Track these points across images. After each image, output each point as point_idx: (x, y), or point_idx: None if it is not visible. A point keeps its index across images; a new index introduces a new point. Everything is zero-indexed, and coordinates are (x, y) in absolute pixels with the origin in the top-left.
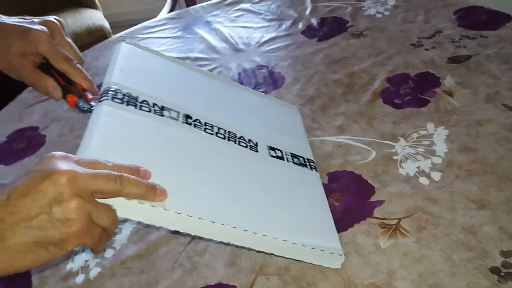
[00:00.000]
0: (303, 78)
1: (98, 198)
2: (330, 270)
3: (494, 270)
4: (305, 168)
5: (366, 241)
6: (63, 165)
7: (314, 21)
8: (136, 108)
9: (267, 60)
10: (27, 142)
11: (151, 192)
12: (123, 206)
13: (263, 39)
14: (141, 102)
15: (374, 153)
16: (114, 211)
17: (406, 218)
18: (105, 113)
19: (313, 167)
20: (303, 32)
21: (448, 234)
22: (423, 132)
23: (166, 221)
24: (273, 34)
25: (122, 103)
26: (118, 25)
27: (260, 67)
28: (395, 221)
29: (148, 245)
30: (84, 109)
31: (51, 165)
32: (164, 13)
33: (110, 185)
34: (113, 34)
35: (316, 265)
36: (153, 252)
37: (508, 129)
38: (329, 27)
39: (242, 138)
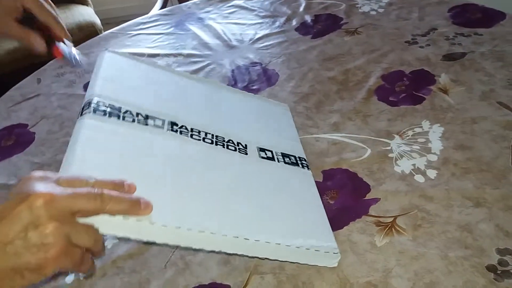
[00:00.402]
0: (297, 75)
1: (80, 217)
2: (325, 269)
3: (491, 268)
4: (296, 167)
5: (361, 239)
6: (40, 187)
7: (308, 18)
8: (119, 119)
9: (261, 57)
10: (15, 139)
11: (135, 207)
12: (106, 223)
13: (257, 36)
14: (125, 112)
15: (369, 151)
16: (95, 230)
17: (402, 216)
18: (86, 127)
19: (304, 165)
20: (297, 29)
21: (444, 232)
22: (418, 130)
23: (154, 235)
24: (267, 31)
25: (104, 115)
26: (109, 22)
27: (253, 64)
28: (391, 219)
29: (140, 244)
30: (71, 57)
31: (29, 187)
32: (156, 10)
33: (90, 204)
34: (104, 31)
35: (312, 265)
36: (145, 251)
37: (503, 127)
38: (323, 24)
39: (230, 141)
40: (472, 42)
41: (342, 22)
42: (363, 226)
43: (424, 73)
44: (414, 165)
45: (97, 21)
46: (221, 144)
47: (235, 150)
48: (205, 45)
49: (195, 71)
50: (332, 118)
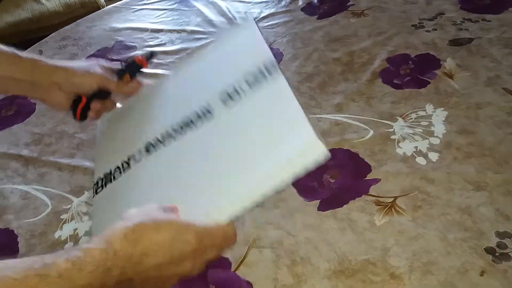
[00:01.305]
0: (301, 56)
1: None
2: (323, 245)
3: (489, 250)
4: (263, 81)
5: (361, 218)
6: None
7: None
8: (112, 182)
9: (266, 36)
10: (16, 109)
11: None
12: None
13: (262, 15)
14: (114, 171)
15: (371, 132)
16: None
17: (402, 197)
18: (95, 205)
19: (271, 71)
20: (303, 9)
21: (444, 214)
22: (421, 113)
23: None
24: (272, 10)
25: (102, 187)
26: None
27: None
28: (391, 200)
29: None
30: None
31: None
32: None
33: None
34: None
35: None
36: None
37: (507, 113)
38: (330, 5)
39: (196, 116)
40: (479, 28)
41: (348, 3)
42: (363, 205)
43: (429, 57)
44: (416, 147)
45: None
46: (189, 127)
47: (202, 121)
48: (209, 22)
49: (199, 48)
50: (336, 99)
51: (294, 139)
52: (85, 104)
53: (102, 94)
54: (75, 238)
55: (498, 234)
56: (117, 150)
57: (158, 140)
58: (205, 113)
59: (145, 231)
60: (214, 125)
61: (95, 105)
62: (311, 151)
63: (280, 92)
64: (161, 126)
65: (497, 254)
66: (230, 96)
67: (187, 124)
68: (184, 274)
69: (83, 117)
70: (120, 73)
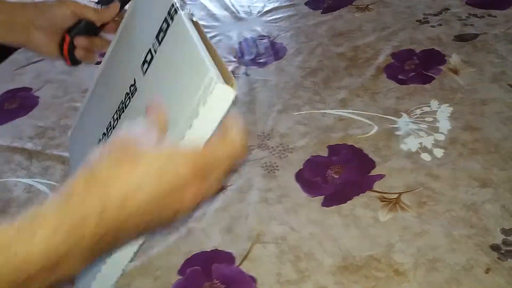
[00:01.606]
0: (305, 50)
1: None
2: (328, 241)
3: (495, 247)
4: (167, 30)
5: (365, 214)
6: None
7: None
8: None
9: (269, 30)
10: (19, 103)
11: None
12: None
13: (265, 9)
14: None
15: (376, 128)
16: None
17: (407, 193)
18: None
19: (172, 16)
20: (307, 3)
21: (449, 210)
22: (426, 109)
23: None
24: (276, 4)
25: None
26: None
27: (261, 37)
28: (395, 196)
29: None
30: None
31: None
32: None
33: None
34: None
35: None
36: None
37: None
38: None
39: (127, 97)
40: (485, 23)
41: None
42: (367, 201)
43: (434, 53)
44: (421, 143)
45: None
46: (123, 110)
47: (132, 95)
48: (213, 16)
49: None
50: (340, 94)
51: (199, 87)
52: (70, 43)
53: (86, 28)
54: None
55: (504, 231)
56: (85, 147)
57: (110, 123)
58: (133, 90)
59: (115, 168)
60: (138, 98)
61: (79, 41)
62: (217, 94)
63: (180, 36)
64: (105, 119)
65: (502, 251)
66: (146, 62)
67: (122, 109)
68: (194, 201)
69: (73, 59)
70: (102, 2)
